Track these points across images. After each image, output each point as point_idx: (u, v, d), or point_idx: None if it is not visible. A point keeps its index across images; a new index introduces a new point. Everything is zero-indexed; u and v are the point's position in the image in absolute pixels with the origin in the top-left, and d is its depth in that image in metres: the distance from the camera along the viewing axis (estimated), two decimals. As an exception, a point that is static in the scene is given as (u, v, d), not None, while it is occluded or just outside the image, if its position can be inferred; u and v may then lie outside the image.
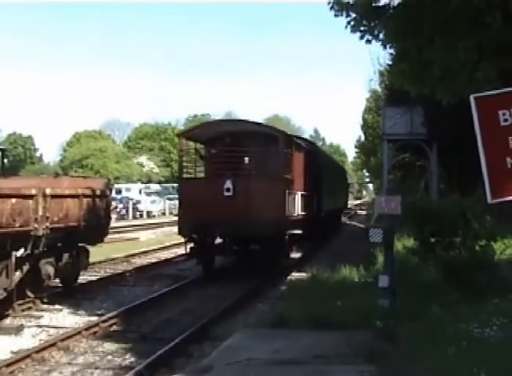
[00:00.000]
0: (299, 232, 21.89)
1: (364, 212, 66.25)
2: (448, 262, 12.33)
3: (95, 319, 13.49)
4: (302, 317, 11.09)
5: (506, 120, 7.67)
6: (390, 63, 29.23)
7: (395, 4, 12.23)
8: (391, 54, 17.39)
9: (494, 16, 11.52)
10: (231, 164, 19.38)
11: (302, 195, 22.42)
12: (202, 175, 21.93)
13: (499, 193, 7.71)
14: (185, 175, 21.01)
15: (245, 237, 19.26)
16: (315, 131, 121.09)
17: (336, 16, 12.18)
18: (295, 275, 19.78)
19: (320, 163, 28.52)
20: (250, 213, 18.37)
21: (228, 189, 18.51)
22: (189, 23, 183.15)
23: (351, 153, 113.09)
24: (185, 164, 21.16)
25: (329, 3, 12.00)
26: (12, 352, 10.98)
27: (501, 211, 15.74)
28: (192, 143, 21.65)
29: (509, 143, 7.63)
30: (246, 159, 20.41)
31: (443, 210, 13.30)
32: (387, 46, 13.34)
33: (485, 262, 12.15)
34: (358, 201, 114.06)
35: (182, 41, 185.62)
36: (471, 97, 7.88)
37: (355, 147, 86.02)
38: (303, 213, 22.61)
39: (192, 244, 19.29)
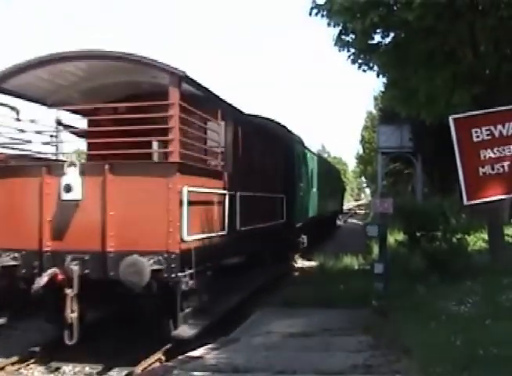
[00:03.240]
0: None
1: (362, 211, 65.98)
2: (431, 252, 12.32)
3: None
4: (312, 299, 11.14)
5: (478, 136, 7.80)
6: (383, 89, 29.38)
7: (387, 42, 12.31)
8: (384, 82, 17.41)
9: (465, 52, 11.62)
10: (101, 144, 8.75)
11: (246, 197, 11.14)
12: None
13: (473, 196, 7.82)
14: None
15: (97, 286, 7.85)
16: (322, 146, 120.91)
17: (339, 51, 12.25)
18: (306, 263, 19.75)
19: (297, 156, 17.43)
20: (107, 236, 7.85)
21: (68, 188, 7.89)
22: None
23: (352, 164, 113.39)
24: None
25: (333, 40, 12.07)
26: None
27: (473, 210, 15.70)
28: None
29: (480, 156, 7.75)
30: (117, 133, 8.36)
31: (427, 209, 13.32)
32: (381, 76, 13.34)
33: (461, 252, 12.16)
34: (358, 203, 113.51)
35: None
36: (450, 118, 7.99)
37: (355, 159, 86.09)
38: (249, 227, 11.32)
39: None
